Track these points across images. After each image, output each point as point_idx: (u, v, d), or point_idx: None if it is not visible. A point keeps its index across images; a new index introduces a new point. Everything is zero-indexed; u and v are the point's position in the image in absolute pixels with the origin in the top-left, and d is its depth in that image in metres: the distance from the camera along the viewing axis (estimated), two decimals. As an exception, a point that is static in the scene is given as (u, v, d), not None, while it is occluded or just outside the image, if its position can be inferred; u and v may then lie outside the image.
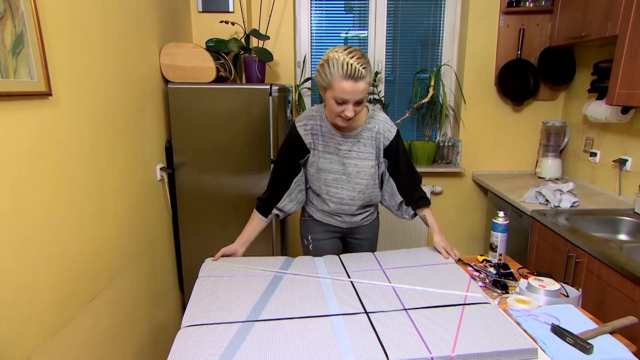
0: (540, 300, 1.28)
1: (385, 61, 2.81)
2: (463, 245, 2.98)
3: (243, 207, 2.13)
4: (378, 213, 1.78)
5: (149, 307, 1.87)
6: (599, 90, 2.28)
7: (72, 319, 1.28)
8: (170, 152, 2.07)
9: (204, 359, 1.00)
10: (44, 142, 1.16)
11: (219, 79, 2.10)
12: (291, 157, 1.55)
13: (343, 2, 2.74)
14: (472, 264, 1.56)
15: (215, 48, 2.24)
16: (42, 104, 1.15)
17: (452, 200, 2.90)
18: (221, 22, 2.33)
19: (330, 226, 1.68)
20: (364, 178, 1.54)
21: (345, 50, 1.31)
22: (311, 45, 2.78)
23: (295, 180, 1.58)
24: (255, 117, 2.03)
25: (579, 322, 1.17)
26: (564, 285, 1.38)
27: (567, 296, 1.34)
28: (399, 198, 1.59)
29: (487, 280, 1.43)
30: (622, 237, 1.93)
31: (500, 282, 1.41)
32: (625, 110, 2.10)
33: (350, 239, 1.76)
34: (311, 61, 2.81)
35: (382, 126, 1.51)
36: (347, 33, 2.80)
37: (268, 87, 2.00)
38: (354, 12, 2.77)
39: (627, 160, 2.15)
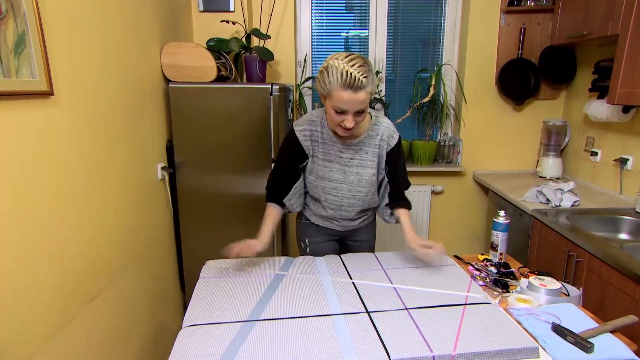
0: (541, 299, 1.28)
1: (386, 60, 2.81)
2: (464, 244, 2.98)
3: (244, 206, 2.14)
4: (375, 215, 1.77)
5: (150, 307, 1.88)
6: (600, 89, 2.28)
7: (73, 319, 1.29)
8: (171, 152, 2.07)
9: (205, 359, 1.01)
10: (45, 142, 1.16)
11: (219, 79, 2.11)
12: (290, 161, 1.51)
13: (344, 1, 2.74)
14: (472, 263, 1.56)
15: (216, 47, 2.24)
16: (44, 103, 1.15)
17: (452, 199, 2.90)
18: (222, 21, 2.33)
19: (327, 229, 1.68)
20: (365, 186, 1.50)
21: (346, 57, 1.24)
22: (312, 45, 2.78)
23: (295, 186, 1.54)
24: (256, 117, 2.03)
25: (580, 321, 1.18)
26: (565, 284, 1.38)
27: (568, 295, 1.34)
28: (386, 200, 1.59)
29: (487, 280, 1.43)
30: (623, 236, 1.93)
31: (501, 281, 1.41)
32: (626, 109, 2.10)
33: (348, 242, 1.75)
34: (312, 60, 2.81)
35: (386, 132, 1.47)
36: (347, 32, 2.80)
37: (269, 86, 2.00)
38: (354, 11, 2.77)
39: (628, 159, 2.15)
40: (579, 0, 2.16)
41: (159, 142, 1.99)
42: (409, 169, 2.72)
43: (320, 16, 2.76)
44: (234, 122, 2.03)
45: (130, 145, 1.67)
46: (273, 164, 2.08)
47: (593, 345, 1.05)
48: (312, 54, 2.80)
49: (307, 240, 1.70)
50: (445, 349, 1.04)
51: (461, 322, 1.16)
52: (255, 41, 2.37)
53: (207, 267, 1.53)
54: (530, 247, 2.10)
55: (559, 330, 1.11)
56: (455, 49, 2.80)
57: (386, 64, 2.82)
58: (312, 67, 2.82)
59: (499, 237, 1.56)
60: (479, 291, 1.34)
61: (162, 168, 2.00)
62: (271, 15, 2.50)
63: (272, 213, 1.56)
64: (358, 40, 2.82)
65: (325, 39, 2.80)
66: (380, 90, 2.80)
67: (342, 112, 1.27)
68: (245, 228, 2.16)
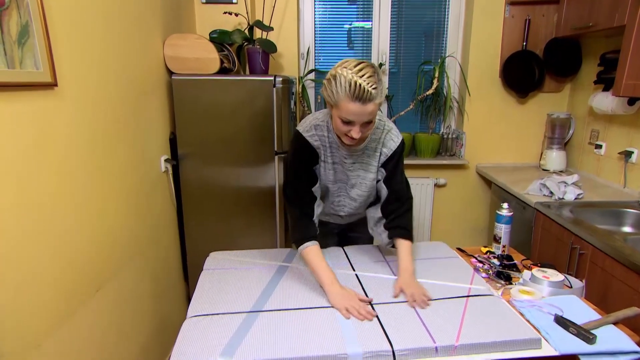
0: (544, 291, 1.29)
1: (389, 53, 2.80)
2: (467, 237, 2.98)
3: (247, 198, 2.14)
4: None
5: (153, 298, 1.89)
6: (606, 81, 2.26)
7: (80, 309, 1.30)
8: (174, 144, 2.08)
9: (209, 349, 1.02)
10: (49, 133, 1.16)
11: (222, 71, 2.10)
12: (307, 166, 1.40)
13: (347, -8, 2.72)
14: (475, 256, 1.57)
15: (219, 39, 2.23)
16: (48, 94, 1.15)
17: (455, 192, 2.90)
18: (225, 13, 2.32)
19: (329, 223, 1.68)
20: (366, 190, 1.47)
21: (355, 66, 1.17)
22: (315, 37, 2.77)
23: (313, 190, 1.42)
24: (259, 109, 2.02)
25: (583, 312, 1.18)
26: (568, 276, 1.38)
27: (571, 287, 1.34)
28: (378, 214, 1.46)
29: (490, 272, 1.44)
30: (627, 229, 1.93)
31: (504, 273, 1.41)
32: (631, 101, 2.09)
33: (348, 234, 1.76)
34: (315, 53, 2.79)
35: (386, 136, 1.41)
36: (350, 24, 2.78)
37: (272, 78, 1.99)
38: (357, 3, 2.75)
39: (632, 152, 2.14)
40: (585, -9, 2.14)
41: (162, 135, 1.99)
42: (412, 161, 2.75)
43: (323, 8, 2.74)
44: (237, 115, 2.03)
45: (133, 137, 1.68)
46: (280, 157, 2.08)
47: (595, 336, 1.05)
48: (315, 47, 2.78)
49: None
50: (447, 340, 1.05)
51: (464, 313, 1.17)
52: (258, 33, 2.36)
53: (210, 258, 1.54)
54: (533, 240, 2.10)
55: (562, 321, 1.11)
56: (459, 41, 2.77)
57: (389, 56, 2.80)
58: (315, 59, 2.80)
59: (502, 230, 1.56)
60: (482, 283, 1.35)
61: (166, 160, 2.00)
62: (274, 7, 2.48)
63: (317, 251, 1.34)
64: (361, 33, 2.80)
65: (328, 31, 2.78)
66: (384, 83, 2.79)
67: (348, 123, 1.21)
68: (248, 220, 2.17)
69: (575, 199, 2.04)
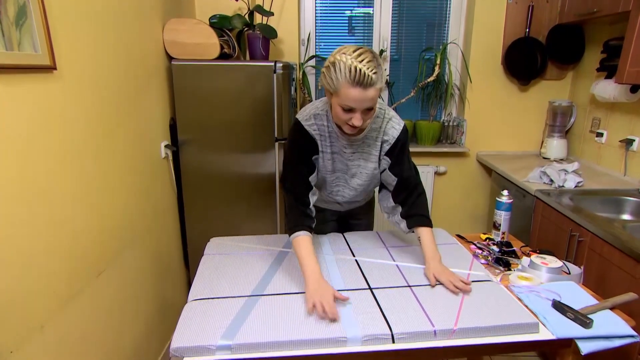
0: (542, 277, 1.30)
1: (391, 39, 2.77)
2: (467, 224, 3.00)
3: (247, 184, 2.14)
4: (373, 193, 1.72)
5: (155, 283, 1.91)
6: (608, 69, 2.24)
7: (81, 292, 1.31)
8: (175, 130, 2.07)
9: (210, 332, 1.03)
10: (49, 116, 1.16)
11: (222, 56, 2.08)
12: (305, 156, 1.38)
13: (348, -23, 2.68)
14: (475, 242, 1.57)
15: (219, 24, 2.20)
16: (47, 78, 1.14)
17: (456, 180, 2.90)
18: (224, -3, 2.29)
19: (328, 210, 1.68)
20: (366, 179, 1.46)
21: (354, 51, 1.14)
22: (316, 23, 2.74)
23: (310, 179, 1.39)
24: (259, 95, 2.01)
25: (580, 298, 1.19)
26: (566, 262, 1.39)
27: (569, 273, 1.35)
28: (391, 203, 1.44)
29: (489, 258, 1.44)
30: (626, 217, 1.93)
31: (503, 259, 1.42)
32: (634, 89, 2.07)
33: (348, 221, 1.76)
34: (315, 39, 2.77)
35: (387, 125, 1.38)
36: (352, 11, 2.75)
37: (272, 64, 1.98)
38: (359, -12, 2.71)
39: (633, 140, 2.13)
40: (589, -24, 2.11)
41: (162, 120, 1.98)
42: (412, 149, 2.73)
43: (324, -7, 2.71)
44: (237, 101, 2.02)
45: (133, 122, 1.67)
46: (280, 144, 2.08)
47: (592, 321, 1.06)
48: (315, 32, 2.75)
49: None
50: (446, 324, 1.06)
51: (462, 298, 1.18)
52: (258, 18, 2.33)
53: (211, 243, 1.54)
54: (532, 227, 2.11)
55: (559, 306, 1.13)
56: (461, 28, 2.74)
57: (391, 43, 2.78)
58: (315, 45, 2.78)
59: (502, 217, 1.57)
60: (481, 269, 1.36)
61: (166, 146, 2.00)
62: (274, -9, 2.45)
63: (307, 240, 1.29)
64: (362, 19, 2.77)
65: (330, 17, 2.75)
66: (385, 69, 2.77)
67: (349, 110, 1.18)
68: (248, 206, 2.18)
69: (575, 186, 2.05)
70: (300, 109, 2.66)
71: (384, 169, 1.43)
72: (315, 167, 1.40)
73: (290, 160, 1.40)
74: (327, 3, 2.72)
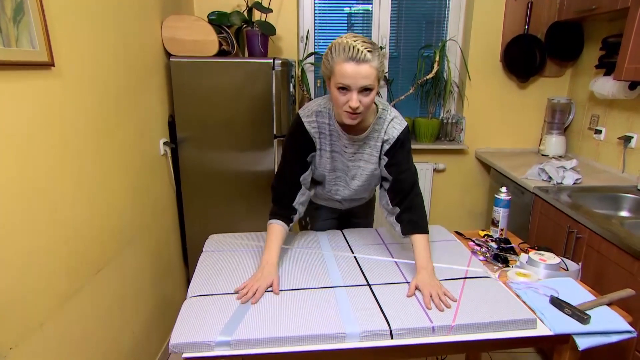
0: (540, 274, 1.30)
1: (390, 36, 2.76)
2: (465, 221, 3.00)
3: (246, 181, 2.14)
4: (374, 192, 1.72)
5: (154, 280, 1.91)
6: (607, 66, 2.24)
7: (81, 290, 1.31)
8: (173, 127, 2.07)
9: (209, 328, 1.03)
10: (47, 113, 1.16)
11: (221, 53, 2.08)
12: (299, 154, 1.38)
13: (347, -26, 2.67)
14: (473, 239, 1.58)
15: (218, 21, 2.20)
16: (45, 74, 1.14)
17: (454, 177, 2.90)
18: (223, -6, 2.29)
19: (329, 208, 1.68)
20: (365, 181, 1.46)
21: (350, 35, 1.19)
22: (314, 20, 2.73)
23: (302, 178, 1.40)
24: (258, 92, 2.01)
25: (578, 294, 1.19)
26: (564, 259, 1.40)
27: (567, 270, 1.36)
28: (389, 205, 1.40)
29: (488, 255, 1.45)
30: (624, 213, 1.94)
31: (501, 256, 1.42)
32: (632, 86, 2.07)
33: (349, 219, 1.76)
34: (314, 36, 2.76)
35: (389, 125, 1.36)
36: (350, 8, 2.74)
37: (271, 61, 1.98)
38: (358, -16, 2.71)
39: (632, 137, 2.14)
40: (588, -27, 2.11)
41: (160, 117, 1.98)
42: (411, 146, 2.73)
43: (323, -10, 2.70)
44: (236, 97, 2.02)
45: (131, 119, 1.67)
46: (279, 141, 2.08)
47: (589, 316, 1.07)
48: (314, 29, 2.75)
49: (307, 218, 1.72)
50: (444, 320, 1.06)
51: (461, 294, 1.18)
52: (256, 15, 2.33)
53: (210, 241, 1.55)
54: (531, 224, 2.11)
55: (557, 302, 1.13)
56: (460, 25, 2.74)
57: (390, 40, 2.77)
58: (314, 42, 2.77)
59: (500, 213, 1.57)
60: (479, 265, 1.36)
61: (165, 143, 2.00)
62: (273, -12, 2.44)
63: (277, 230, 1.34)
64: (361, 16, 2.76)
65: (328, 14, 2.74)
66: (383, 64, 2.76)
67: (346, 91, 1.18)
68: (247, 203, 2.18)
69: (574, 183, 2.05)
70: (299, 106, 2.66)
71: (383, 169, 1.42)
72: (309, 165, 1.41)
73: (286, 155, 1.42)
74: (325, 0, 2.71)
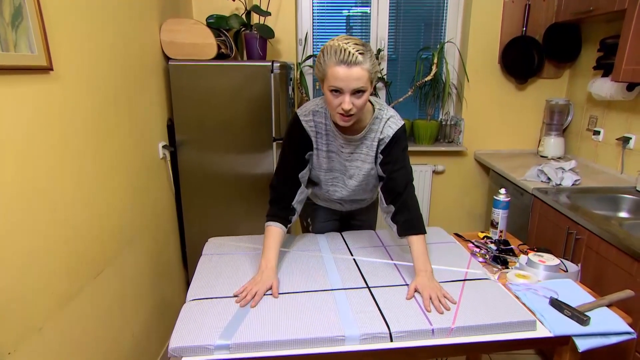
0: (540, 275, 1.30)
1: (388, 39, 2.77)
2: (464, 223, 3.00)
3: (245, 184, 2.14)
4: (377, 195, 1.74)
5: (153, 283, 1.91)
6: (605, 67, 2.25)
7: (80, 293, 1.31)
8: (172, 130, 2.07)
9: (208, 331, 1.03)
10: (46, 117, 1.16)
11: (220, 56, 2.08)
12: (297, 151, 1.39)
13: (345, -23, 2.68)
14: (473, 241, 1.58)
15: (216, 24, 2.20)
16: (44, 78, 1.14)
17: (454, 179, 2.90)
18: (221, -3, 2.29)
19: (330, 210, 1.68)
20: (363, 180, 1.46)
21: (342, 37, 1.19)
22: (313, 23, 2.74)
23: (300, 175, 1.41)
24: (256, 95, 2.01)
25: (577, 295, 1.19)
26: (564, 260, 1.40)
27: (566, 271, 1.36)
28: (383, 202, 1.39)
29: (487, 256, 1.45)
30: (623, 214, 1.94)
31: (501, 257, 1.42)
32: (630, 87, 2.08)
33: (350, 221, 1.77)
34: (313, 39, 2.77)
35: (385, 125, 1.37)
36: (349, 10, 2.75)
37: (270, 64, 1.98)
38: (356, -13, 2.71)
39: (630, 138, 2.14)
40: (586, -25, 2.11)
41: (159, 121, 1.98)
42: (410, 148, 2.69)
43: (321, -7, 2.71)
44: (235, 101, 2.02)
45: (130, 122, 1.67)
46: (278, 143, 2.08)
47: (589, 318, 1.07)
48: (313, 32, 2.76)
49: (309, 220, 1.72)
50: (444, 323, 1.06)
51: (460, 296, 1.18)
52: (255, 18, 2.33)
53: (209, 244, 1.54)
54: (530, 225, 2.11)
55: (557, 304, 1.13)
56: (459, 27, 2.75)
57: (388, 42, 2.78)
58: (313, 45, 2.78)
59: (499, 215, 1.57)
60: (479, 267, 1.36)
61: (163, 146, 2.00)
62: (271, -9, 2.45)
63: (276, 232, 1.34)
64: (360, 18, 2.77)
65: (327, 16, 2.75)
66: (382, 69, 2.77)
67: (338, 94, 1.19)
68: (246, 206, 2.18)
69: (573, 184, 2.05)
70: (297, 109, 2.66)
71: (378, 167, 1.42)
72: (307, 163, 1.42)
73: (283, 153, 1.43)
74: (324, 3, 2.72)
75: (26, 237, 1.08)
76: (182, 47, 2.00)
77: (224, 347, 0.99)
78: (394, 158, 1.37)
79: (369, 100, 1.36)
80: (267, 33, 2.21)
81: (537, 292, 1.21)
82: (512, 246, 1.52)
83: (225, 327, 1.04)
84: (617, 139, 2.24)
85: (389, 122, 1.37)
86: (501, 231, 1.59)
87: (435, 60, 2.63)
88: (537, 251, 1.44)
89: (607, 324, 1.07)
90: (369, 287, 1.24)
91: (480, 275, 1.31)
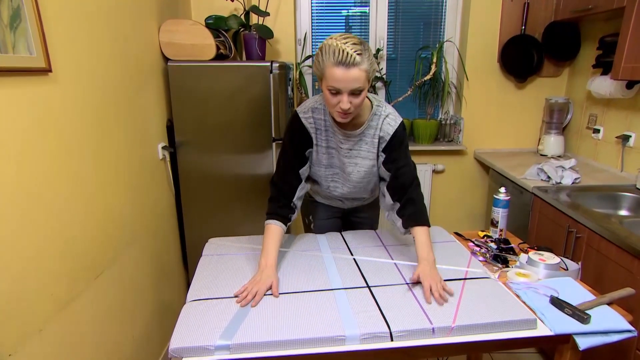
0: (540, 274, 1.30)
1: (387, 38, 2.77)
2: (464, 222, 3.00)
3: (245, 185, 2.14)
4: (378, 192, 1.75)
5: (154, 284, 1.91)
6: (604, 65, 2.25)
7: (80, 295, 1.31)
8: (172, 131, 2.07)
9: (209, 332, 1.03)
10: (45, 118, 1.16)
11: (219, 57, 2.08)
12: (297, 148, 1.41)
13: (344, -23, 2.68)
14: (473, 240, 1.58)
15: (215, 25, 2.20)
16: (43, 80, 1.14)
17: (453, 178, 2.90)
18: (220, -2, 2.29)
19: (332, 207, 1.69)
20: (364, 177, 1.46)
21: (340, 36, 1.19)
22: (312, 23, 2.74)
23: (300, 172, 1.42)
24: (256, 95, 2.01)
25: (578, 294, 1.19)
26: (564, 259, 1.40)
27: (567, 269, 1.36)
28: (390, 200, 1.41)
29: (487, 255, 1.45)
30: (623, 212, 1.94)
31: (501, 256, 1.42)
32: (630, 85, 2.08)
33: (352, 218, 1.77)
34: (312, 39, 2.77)
35: (384, 122, 1.38)
36: (348, 10, 2.75)
37: (269, 64, 1.98)
38: (355, -13, 2.71)
39: (630, 136, 2.14)
40: (584, -27, 2.11)
41: (159, 122, 1.98)
42: (410, 147, 2.71)
43: (320, -7, 2.71)
44: (234, 101, 2.02)
45: (130, 124, 1.67)
46: (277, 144, 2.08)
47: (590, 316, 1.07)
48: (312, 32, 2.76)
49: (311, 217, 1.72)
50: (444, 321, 1.06)
51: (461, 295, 1.18)
52: (254, 19, 2.33)
53: (209, 244, 1.54)
54: (530, 224, 2.11)
55: (557, 302, 1.13)
56: (457, 26, 2.75)
57: (387, 42, 2.78)
58: (312, 45, 2.78)
59: (499, 214, 1.57)
60: (479, 266, 1.36)
61: (163, 148, 2.00)
62: (270, -9, 2.45)
63: (275, 231, 1.35)
64: (359, 18, 2.77)
65: (326, 16, 2.75)
66: (382, 69, 2.77)
67: (336, 93, 1.20)
68: (246, 207, 2.18)
69: (573, 183, 2.05)
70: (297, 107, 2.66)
71: (381, 166, 1.43)
72: (306, 160, 1.44)
73: (283, 151, 1.45)
74: (322, 3, 2.72)
75: (25, 239, 1.08)
76: (181, 48, 2.00)
77: (225, 348, 0.99)
78: (398, 156, 1.39)
79: (367, 97, 1.38)
80: (266, 33, 2.21)
81: (537, 290, 1.21)
82: (512, 245, 1.52)
83: (225, 327, 1.04)
84: (616, 137, 2.24)
85: (388, 119, 1.39)
86: (501, 230, 1.58)
87: (435, 60, 2.63)
88: (537, 250, 1.44)
89: (608, 322, 1.07)
90: (369, 287, 1.23)
91: (480, 274, 1.31)
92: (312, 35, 2.76)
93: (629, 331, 1.06)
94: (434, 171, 2.85)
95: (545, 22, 2.56)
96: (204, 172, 2.12)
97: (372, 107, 1.39)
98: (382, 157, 1.41)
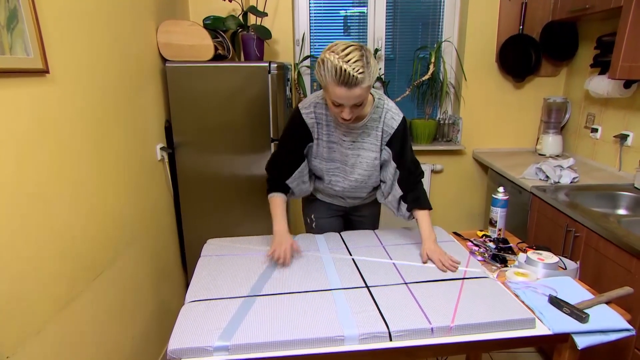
0: (539, 273, 1.30)
1: (385, 38, 2.77)
2: (463, 222, 3.00)
3: (243, 185, 2.14)
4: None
5: (152, 285, 1.90)
6: (602, 64, 2.25)
7: (79, 296, 1.31)
8: (170, 132, 2.07)
9: (207, 333, 1.03)
10: (43, 120, 1.15)
11: (217, 58, 2.08)
12: (295, 142, 1.46)
13: (342, -23, 2.68)
14: (471, 239, 1.58)
15: (213, 26, 2.20)
16: (40, 81, 1.14)
17: (452, 178, 2.90)
18: (218, -2, 2.29)
19: (333, 205, 1.69)
20: (366, 170, 1.48)
21: (342, 50, 1.18)
22: (310, 23, 2.74)
23: (298, 170, 1.48)
24: (254, 96, 2.01)
25: (576, 293, 1.20)
26: (562, 258, 1.40)
27: (565, 269, 1.36)
28: (399, 192, 1.49)
29: (486, 255, 1.45)
30: (621, 211, 1.94)
31: (500, 256, 1.42)
32: (627, 84, 2.08)
33: (353, 217, 1.77)
34: (310, 39, 2.77)
35: (388, 115, 1.42)
36: (346, 11, 2.75)
37: (267, 64, 1.98)
38: (353, -13, 2.71)
39: (628, 135, 2.14)
40: (581, -28, 2.12)
41: (157, 123, 1.98)
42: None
43: (318, -7, 2.71)
44: (232, 102, 2.02)
45: (128, 124, 1.67)
46: (276, 144, 2.08)
47: (588, 315, 1.07)
48: (310, 33, 2.76)
49: (312, 216, 1.72)
50: (443, 321, 1.06)
51: (459, 295, 1.18)
52: (252, 19, 2.33)
53: (208, 245, 1.54)
54: (529, 223, 2.11)
55: (555, 301, 1.13)
56: (456, 26, 2.75)
57: (385, 42, 2.78)
58: (310, 45, 2.78)
59: (498, 213, 1.57)
60: (477, 266, 1.36)
61: (161, 148, 1.99)
62: (268, -8, 2.45)
63: (279, 201, 1.48)
64: (357, 19, 2.77)
65: (324, 16, 2.75)
66: (380, 69, 2.77)
67: (339, 105, 1.26)
68: (244, 207, 2.18)
69: (571, 182, 2.05)
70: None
71: (384, 160, 1.48)
72: (303, 157, 1.48)
73: (281, 144, 1.52)
74: (320, 3, 2.72)
75: (24, 240, 1.08)
76: (179, 49, 1.99)
77: (223, 349, 0.99)
78: (405, 152, 1.47)
79: None
80: (264, 34, 2.21)
81: (536, 290, 1.21)
82: (510, 244, 1.52)
83: (224, 328, 1.04)
84: (614, 136, 2.24)
85: (391, 113, 1.44)
86: (500, 229, 1.59)
87: (433, 60, 2.63)
88: (535, 249, 1.44)
89: (606, 321, 1.08)
90: (367, 287, 1.24)
91: (479, 273, 1.31)
92: (310, 36, 2.76)
93: (627, 330, 1.06)
94: (433, 171, 2.86)
95: (543, 22, 2.56)
96: (202, 172, 2.11)
97: (374, 99, 1.43)
98: (387, 151, 1.46)
